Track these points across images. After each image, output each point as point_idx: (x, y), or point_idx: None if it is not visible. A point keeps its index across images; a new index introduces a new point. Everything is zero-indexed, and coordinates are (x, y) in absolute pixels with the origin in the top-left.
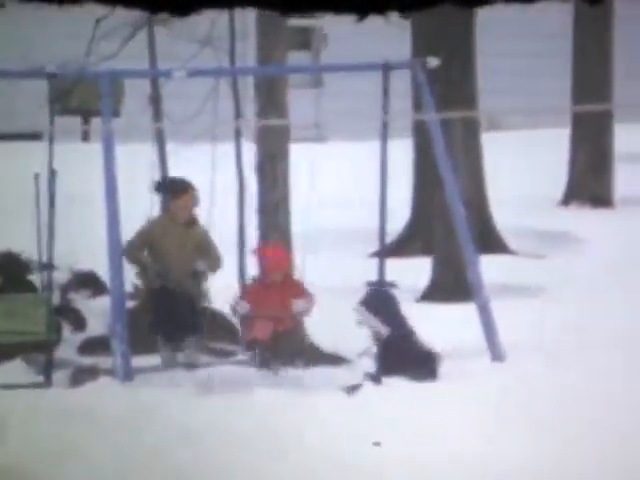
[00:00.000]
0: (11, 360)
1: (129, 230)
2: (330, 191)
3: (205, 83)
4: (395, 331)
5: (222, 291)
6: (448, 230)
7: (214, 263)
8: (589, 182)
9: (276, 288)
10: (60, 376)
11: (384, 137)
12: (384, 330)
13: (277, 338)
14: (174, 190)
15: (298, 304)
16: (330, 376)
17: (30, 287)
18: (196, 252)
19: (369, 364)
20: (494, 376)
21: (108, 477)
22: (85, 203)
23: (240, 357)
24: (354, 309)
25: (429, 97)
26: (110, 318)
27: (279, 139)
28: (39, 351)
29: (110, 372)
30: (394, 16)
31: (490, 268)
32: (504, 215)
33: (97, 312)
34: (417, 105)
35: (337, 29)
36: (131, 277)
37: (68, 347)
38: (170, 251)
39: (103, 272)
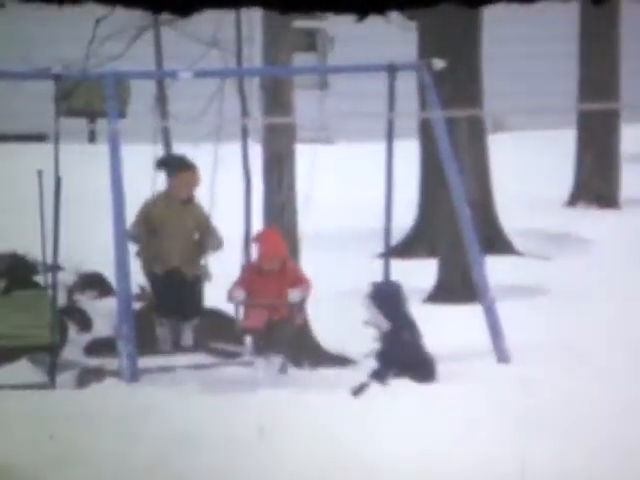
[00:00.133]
0: (17, 361)
1: None
2: (336, 192)
3: (211, 84)
4: (396, 327)
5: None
6: (454, 231)
7: (215, 241)
8: (595, 183)
9: (273, 276)
10: (66, 377)
11: (390, 137)
12: (385, 325)
13: (272, 326)
14: (176, 167)
15: (293, 294)
16: (336, 377)
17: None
18: (196, 229)
19: (375, 365)
20: (499, 377)
21: (113, 478)
22: (91, 204)
23: (245, 358)
24: (362, 301)
25: (435, 98)
26: (116, 319)
27: (285, 140)
28: (44, 352)
29: (116, 373)
30: (399, 18)
31: (496, 269)
32: (510, 216)
33: (103, 313)
34: (423, 107)
35: (343, 31)
36: (137, 278)
37: (74, 348)
38: (170, 228)
39: (109, 273)
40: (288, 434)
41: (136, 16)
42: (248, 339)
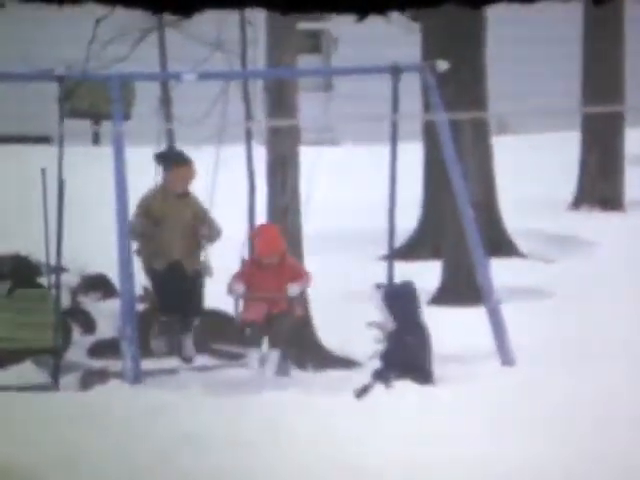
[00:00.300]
0: (21, 363)
1: None
2: (340, 193)
3: (215, 86)
4: (401, 328)
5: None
6: (458, 233)
7: (212, 231)
8: (599, 185)
9: (272, 270)
10: (70, 379)
11: (393, 138)
12: (390, 325)
13: (271, 319)
14: (172, 161)
15: (293, 288)
16: (340, 379)
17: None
18: (194, 222)
19: (378, 366)
20: (504, 380)
21: (116, 479)
22: (95, 206)
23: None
24: (374, 300)
25: (438, 100)
26: (120, 321)
27: (289, 142)
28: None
29: (120, 375)
30: (403, 19)
31: (500, 271)
32: (514, 218)
33: (107, 315)
34: (427, 108)
35: (347, 32)
36: (140, 279)
37: (78, 350)
38: (169, 221)
39: (113, 275)
40: (292, 436)
41: (140, 18)
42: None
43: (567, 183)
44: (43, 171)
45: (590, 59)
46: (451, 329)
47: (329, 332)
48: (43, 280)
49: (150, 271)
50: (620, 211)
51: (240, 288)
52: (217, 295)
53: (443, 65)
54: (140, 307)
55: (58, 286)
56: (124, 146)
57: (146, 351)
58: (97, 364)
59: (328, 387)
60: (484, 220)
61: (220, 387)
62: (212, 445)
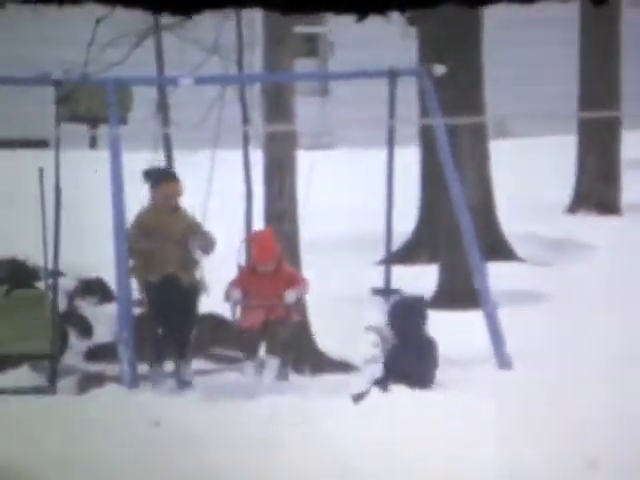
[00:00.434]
0: (17, 367)
1: None
2: (336, 198)
3: (212, 90)
4: (403, 343)
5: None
6: (455, 237)
7: (207, 243)
8: (596, 189)
9: (268, 276)
10: (67, 383)
11: (390, 143)
12: (391, 339)
13: (268, 326)
14: (158, 178)
15: (290, 295)
16: (337, 383)
17: None
18: (188, 235)
19: (376, 371)
20: (500, 383)
21: None
22: (92, 209)
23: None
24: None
25: (435, 104)
26: (116, 325)
27: (286, 146)
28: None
29: (116, 379)
30: (400, 23)
31: (497, 275)
32: (511, 222)
33: (104, 319)
34: (423, 112)
35: (344, 36)
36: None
37: (74, 354)
38: (162, 236)
39: (110, 279)
40: (289, 440)
41: (137, 21)
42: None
43: (564, 187)
44: (41, 170)
45: (587, 63)
46: (448, 333)
47: (326, 336)
48: (40, 284)
49: (145, 284)
50: (617, 215)
51: (237, 295)
52: (214, 302)
53: (440, 69)
54: (137, 311)
55: (55, 290)
56: (121, 150)
57: (143, 355)
58: (94, 368)
59: (325, 391)
60: (481, 224)
61: (217, 391)
62: (209, 449)
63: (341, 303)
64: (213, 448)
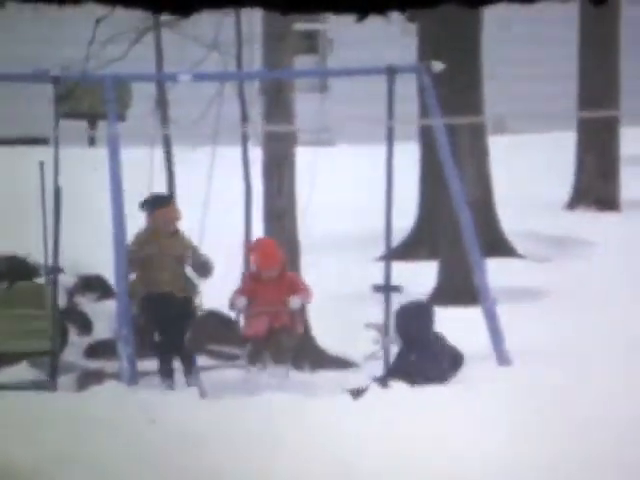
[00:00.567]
0: (17, 364)
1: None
2: (336, 195)
3: (212, 87)
4: (407, 347)
5: (226, 293)
6: (454, 233)
7: (204, 267)
8: (595, 185)
9: (272, 284)
10: (66, 379)
11: (390, 142)
12: (392, 339)
13: (273, 333)
14: (154, 205)
15: (294, 301)
16: (336, 380)
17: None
18: (185, 258)
19: (375, 367)
20: (500, 380)
21: (112, 479)
22: (91, 207)
23: (244, 360)
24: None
25: (434, 101)
26: (116, 322)
27: (285, 144)
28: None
29: (116, 375)
30: (400, 21)
31: (496, 272)
32: (510, 218)
33: (103, 316)
34: (423, 109)
35: (343, 33)
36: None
37: (74, 350)
38: (158, 259)
39: (109, 275)
40: (289, 436)
41: (137, 18)
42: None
43: (563, 183)
44: (41, 164)
45: (586, 60)
46: (447, 329)
47: (326, 333)
48: (41, 281)
49: (143, 300)
50: (616, 211)
51: (242, 302)
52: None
53: (439, 66)
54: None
55: (55, 287)
56: (119, 147)
57: (142, 351)
58: (93, 365)
59: (325, 387)
60: (480, 220)
61: (217, 387)
62: (208, 445)
63: (340, 299)
64: (213, 445)
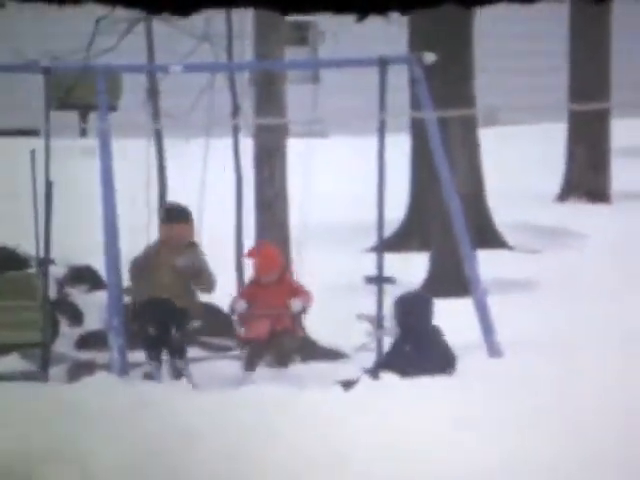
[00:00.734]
0: (7, 354)
1: (125, 225)
2: (326, 186)
3: (204, 78)
4: (403, 337)
5: (222, 287)
6: (445, 225)
7: (206, 282)
8: (586, 177)
9: (272, 288)
10: (57, 371)
11: (381, 134)
12: (392, 333)
13: (274, 336)
14: (167, 218)
15: (296, 304)
16: (327, 371)
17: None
18: (189, 271)
19: (367, 359)
20: (491, 372)
21: (103, 472)
22: (82, 198)
23: (236, 352)
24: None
25: (426, 92)
26: (107, 313)
27: (276, 135)
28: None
29: (107, 367)
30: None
31: (487, 263)
32: (501, 210)
33: (94, 307)
34: (414, 100)
35: (334, 24)
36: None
37: (65, 342)
38: (160, 269)
39: (100, 267)
40: (280, 427)
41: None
42: (239, 341)
43: (554, 175)
44: (32, 152)
45: (577, 53)
46: (438, 320)
47: (317, 324)
48: (31, 272)
49: (137, 305)
50: (607, 203)
51: (241, 306)
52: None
53: (430, 57)
54: (127, 299)
55: (46, 278)
56: (110, 138)
57: (133, 343)
58: (84, 356)
59: (317, 379)
60: (471, 212)
61: (208, 379)
62: (200, 437)
63: (332, 291)
64: (204, 436)
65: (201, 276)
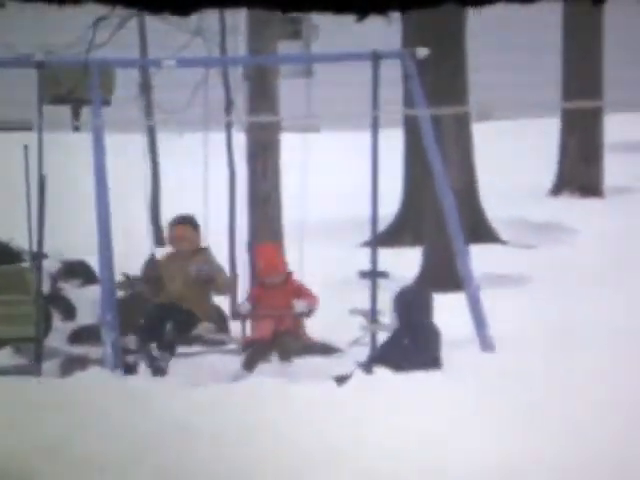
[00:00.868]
0: (0, 349)
1: (119, 219)
2: (319, 181)
3: (197, 73)
4: (401, 330)
5: None
6: (438, 220)
7: (223, 285)
8: (579, 172)
9: (277, 290)
10: (49, 365)
11: (375, 129)
12: (390, 326)
13: (277, 336)
14: (174, 220)
15: (299, 304)
16: (321, 366)
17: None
18: (202, 280)
19: (360, 353)
20: (483, 366)
21: (96, 466)
22: (75, 192)
23: (230, 346)
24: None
25: (419, 87)
26: (100, 307)
27: (269, 130)
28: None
29: (100, 361)
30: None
31: (480, 258)
32: (494, 205)
33: (87, 301)
34: (407, 95)
35: (328, 19)
36: (120, 266)
37: (58, 336)
38: (172, 275)
39: (93, 261)
40: (273, 422)
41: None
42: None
43: (547, 170)
44: (25, 147)
45: (570, 49)
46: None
47: (311, 319)
48: (24, 266)
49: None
50: (599, 198)
51: (245, 307)
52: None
53: (423, 52)
54: (120, 294)
55: (40, 273)
56: (104, 133)
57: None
58: (77, 351)
59: (310, 374)
60: (464, 206)
61: (201, 374)
62: (193, 431)
63: (325, 285)
64: (198, 430)
65: (216, 280)
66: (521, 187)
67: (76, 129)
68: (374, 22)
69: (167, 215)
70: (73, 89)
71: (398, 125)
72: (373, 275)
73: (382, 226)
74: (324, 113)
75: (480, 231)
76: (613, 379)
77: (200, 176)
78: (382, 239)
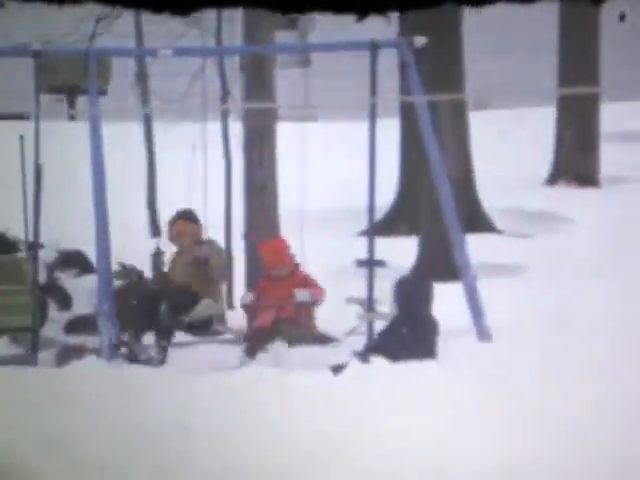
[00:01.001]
0: None
1: (116, 208)
2: (316, 170)
3: (193, 63)
4: (399, 319)
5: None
6: (435, 209)
7: (214, 266)
8: (575, 161)
9: (283, 282)
10: (46, 355)
11: (372, 119)
12: (389, 315)
13: (277, 323)
14: (175, 216)
15: (300, 293)
16: (317, 355)
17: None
18: (201, 263)
19: (357, 343)
20: (480, 355)
21: (93, 457)
22: (72, 181)
23: (225, 336)
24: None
25: (416, 77)
26: (96, 297)
27: (266, 119)
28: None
29: (96, 351)
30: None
31: (476, 247)
32: (490, 194)
33: (83, 291)
34: (404, 84)
35: (328, 19)
36: (117, 256)
37: (54, 326)
38: (176, 266)
39: (90, 251)
40: (269, 411)
41: None
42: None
43: (543, 159)
44: (21, 137)
45: (567, 38)
46: None
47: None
48: (20, 256)
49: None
50: (595, 187)
51: (248, 297)
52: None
53: (420, 41)
54: (116, 283)
55: (36, 263)
56: (100, 122)
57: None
58: (73, 340)
59: (306, 363)
60: (460, 196)
61: (197, 363)
62: (189, 421)
63: (321, 275)
64: (194, 420)
65: (210, 261)
66: (517, 176)
67: (72, 118)
68: (374, 22)
69: (163, 203)
70: (69, 78)
71: (395, 115)
72: (370, 264)
73: (379, 215)
74: (322, 103)
75: (476, 220)
76: (610, 369)
77: (196, 165)
78: (379, 228)
